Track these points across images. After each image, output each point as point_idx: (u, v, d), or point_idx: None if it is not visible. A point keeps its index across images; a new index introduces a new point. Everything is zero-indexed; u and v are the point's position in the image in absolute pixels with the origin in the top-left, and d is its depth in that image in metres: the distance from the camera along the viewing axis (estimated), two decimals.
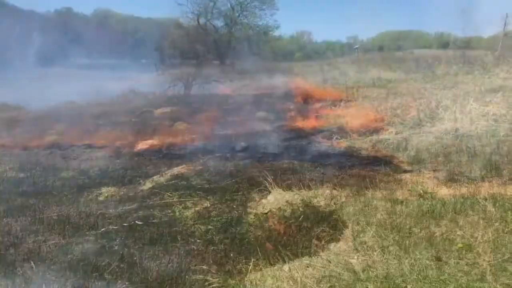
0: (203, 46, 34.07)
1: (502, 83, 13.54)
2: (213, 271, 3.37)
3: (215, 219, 4.37)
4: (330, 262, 3.45)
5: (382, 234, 3.81)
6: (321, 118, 10.29)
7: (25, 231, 4.17)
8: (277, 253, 3.58)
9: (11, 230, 4.21)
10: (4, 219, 4.47)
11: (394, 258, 3.44)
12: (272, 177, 5.08)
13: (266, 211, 4.28)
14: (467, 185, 5.08)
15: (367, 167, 6.12)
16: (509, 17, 35.56)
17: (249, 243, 3.85)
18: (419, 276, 3.10)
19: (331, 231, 3.95)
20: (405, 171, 5.82)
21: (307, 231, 3.95)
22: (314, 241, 3.77)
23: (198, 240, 3.94)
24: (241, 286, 3.13)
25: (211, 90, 19.10)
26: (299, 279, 3.20)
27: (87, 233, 4.14)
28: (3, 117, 12.46)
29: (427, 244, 3.58)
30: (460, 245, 3.53)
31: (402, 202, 4.57)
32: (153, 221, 4.38)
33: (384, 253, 3.52)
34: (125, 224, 4.28)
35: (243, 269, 3.38)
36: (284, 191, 4.76)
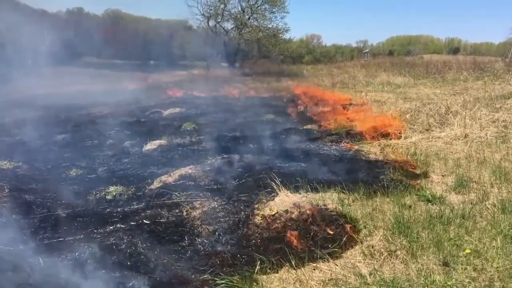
0: (213, 48, 34.23)
1: None
2: (220, 272, 3.38)
3: (222, 220, 4.39)
4: (336, 265, 3.46)
5: (390, 238, 3.80)
6: (330, 121, 10.28)
7: (34, 228, 4.23)
8: (283, 256, 3.58)
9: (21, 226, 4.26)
10: (13, 216, 4.52)
11: (401, 262, 3.43)
12: (280, 179, 5.08)
13: (273, 213, 4.28)
14: (476, 190, 5.05)
15: (376, 171, 6.10)
16: None
17: (256, 244, 3.86)
18: (426, 281, 3.10)
19: (338, 235, 3.95)
20: (414, 176, 5.79)
21: (314, 234, 3.95)
22: (321, 244, 3.77)
23: (205, 241, 3.96)
24: (247, 287, 3.14)
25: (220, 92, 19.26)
26: (305, 281, 3.21)
27: (95, 231, 4.18)
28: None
29: (434, 249, 3.57)
30: (468, 250, 3.51)
31: (410, 206, 4.56)
32: (161, 220, 4.40)
33: (391, 257, 3.51)
34: (132, 223, 4.31)
35: (250, 270, 3.39)
36: (292, 193, 4.76)
